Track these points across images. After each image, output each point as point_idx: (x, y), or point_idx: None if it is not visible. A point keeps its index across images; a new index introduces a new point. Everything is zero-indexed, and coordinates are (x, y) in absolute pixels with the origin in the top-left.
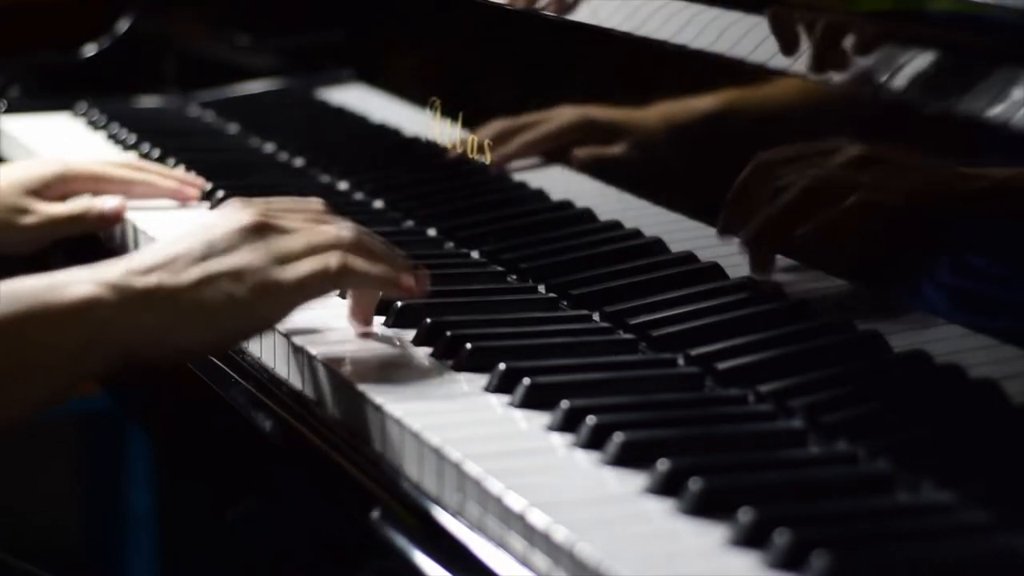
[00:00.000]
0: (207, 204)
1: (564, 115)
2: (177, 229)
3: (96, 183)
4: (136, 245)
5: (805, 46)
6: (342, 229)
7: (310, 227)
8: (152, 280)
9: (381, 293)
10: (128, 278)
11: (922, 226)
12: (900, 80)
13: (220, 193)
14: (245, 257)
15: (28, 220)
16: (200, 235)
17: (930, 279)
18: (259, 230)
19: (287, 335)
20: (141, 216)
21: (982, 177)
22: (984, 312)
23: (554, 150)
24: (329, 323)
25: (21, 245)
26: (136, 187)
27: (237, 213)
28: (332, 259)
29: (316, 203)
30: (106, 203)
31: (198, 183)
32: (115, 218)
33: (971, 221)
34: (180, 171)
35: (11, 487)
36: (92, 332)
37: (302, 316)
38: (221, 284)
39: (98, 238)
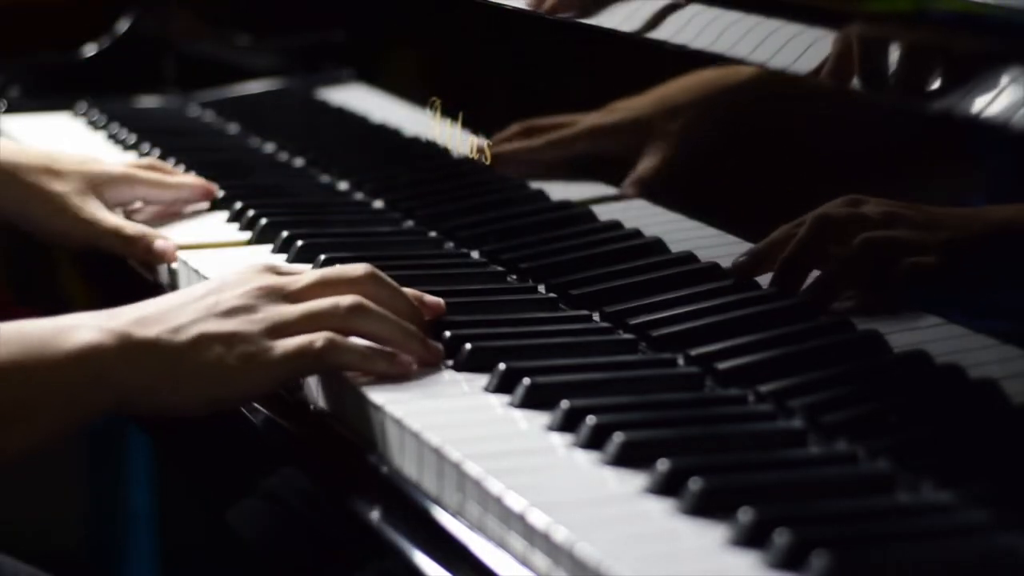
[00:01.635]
0: (225, 214)
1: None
2: (191, 285)
3: (160, 192)
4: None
5: (812, 50)
6: (344, 298)
7: (319, 293)
8: (152, 333)
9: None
10: (131, 328)
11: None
12: (907, 83)
13: (238, 205)
14: (241, 324)
15: (82, 214)
16: (208, 293)
17: (931, 279)
18: (266, 295)
19: None
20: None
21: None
22: (984, 312)
23: (563, 158)
24: None
25: (68, 237)
26: (189, 201)
27: (250, 275)
28: (319, 338)
29: (355, 269)
30: (158, 241)
31: (212, 188)
32: (161, 258)
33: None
34: (192, 177)
35: (11, 487)
36: (92, 377)
37: None
38: (214, 348)
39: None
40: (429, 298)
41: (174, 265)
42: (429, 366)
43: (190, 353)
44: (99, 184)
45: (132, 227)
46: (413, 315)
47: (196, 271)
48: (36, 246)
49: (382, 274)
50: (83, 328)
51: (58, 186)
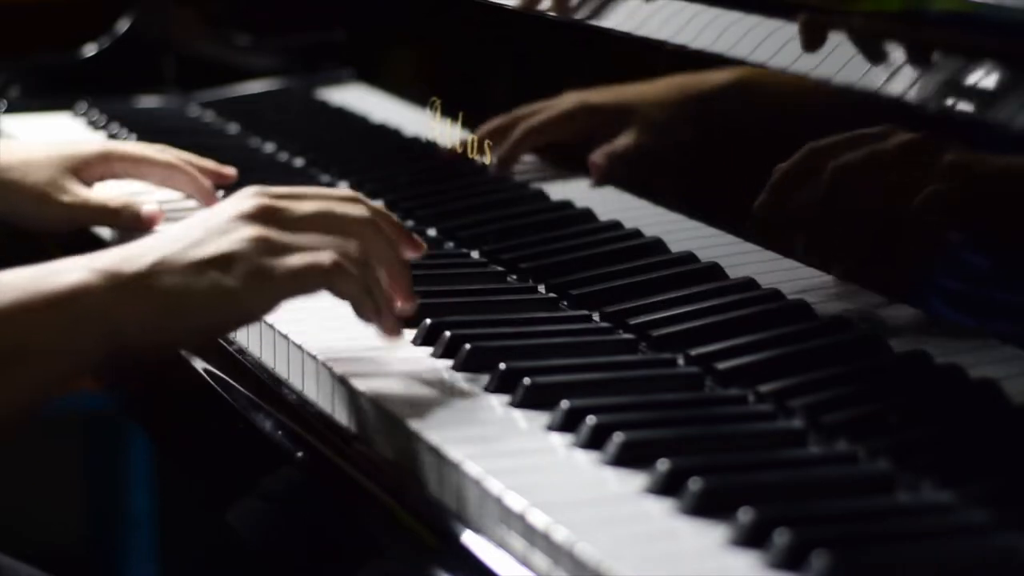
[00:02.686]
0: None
1: (562, 103)
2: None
3: (137, 166)
4: None
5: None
6: (349, 244)
7: (320, 226)
8: (144, 266)
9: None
10: (120, 264)
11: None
12: (904, 80)
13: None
14: (238, 244)
15: (64, 199)
16: (201, 221)
17: (930, 280)
18: (261, 217)
19: (287, 336)
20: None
21: (984, 176)
22: (984, 312)
23: (554, 142)
24: (328, 324)
25: (55, 223)
26: (177, 177)
27: (243, 200)
28: (325, 256)
29: (341, 193)
30: (145, 205)
31: (232, 173)
32: (149, 223)
33: (972, 221)
34: (213, 164)
35: (11, 487)
36: (83, 317)
37: (302, 316)
38: (210, 272)
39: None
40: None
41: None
42: (395, 330)
43: (183, 280)
44: (75, 166)
45: (116, 199)
46: (400, 276)
47: None
48: (31, 244)
49: (381, 223)
50: (72, 270)
51: (39, 177)
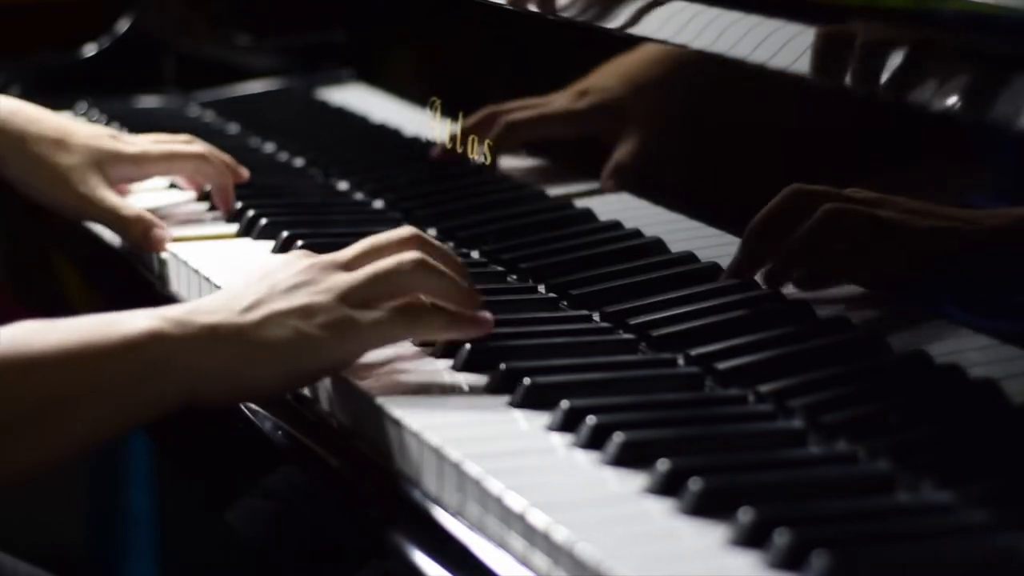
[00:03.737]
0: (236, 226)
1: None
2: (236, 277)
3: (169, 165)
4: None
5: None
6: (406, 255)
7: (370, 259)
8: (216, 318)
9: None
10: (191, 316)
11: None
12: (904, 81)
13: (238, 205)
14: (312, 297)
15: (80, 189)
16: (261, 279)
17: (930, 279)
18: (320, 269)
19: None
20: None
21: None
22: (984, 312)
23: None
24: None
25: (63, 208)
26: (207, 168)
27: (297, 258)
28: (407, 306)
29: (401, 232)
30: (156, 228)
31: (246, 174)
32: (155, 244)
33: (972, 224)
34: (232, 160)
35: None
36: (153, 362)
37: None
38: (289, 321)
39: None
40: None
41: (164, 255)
42: (483, 326)
43: (263, 330)
44: (105, 161)
45: (129, 209)
46: (463, 273)
47: (185, 262)
48: (35, 245)
49: (426, 235)
50: (139, 318)
51: (63, 159)
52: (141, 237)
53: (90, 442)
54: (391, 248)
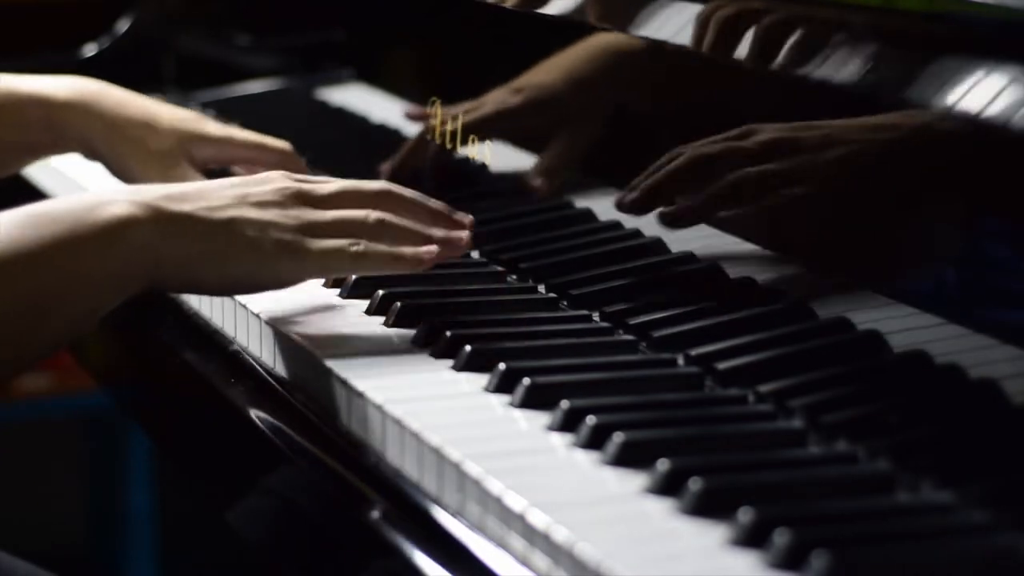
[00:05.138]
0: None
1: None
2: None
3: (251, 153)
4: None
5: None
6: (372, 212)
7: (342, 202)
8: (186, 208)
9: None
10: (162, 202)
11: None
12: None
13: None
14: (274, 215)
15: (167, 176)
16: (235, 185)
17: (930, 279)
18: (293, 197)
19: (286, 335)
20: None
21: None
22: (984, 312)
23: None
24: (330, 324)
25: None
26: (291, 166)
27: (274, 176)
28: (356, 243)
29: (374, 184)
30: None
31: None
32: None
33: (970, 219)
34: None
35: (12, 487)
36: (130, 251)
37: (304, 316)
38: (248, 230)
39: None
40: (459, 214)
41: None
42: (452, 254)
43: (226, 231)
44: (189, 142)
45: None
46: (433, 218)
47: None
48: None
49: (400, 189)
50: (115, 203)
51: (152, 143)
52: None
53: (73, 326)
54: (365, 198)
